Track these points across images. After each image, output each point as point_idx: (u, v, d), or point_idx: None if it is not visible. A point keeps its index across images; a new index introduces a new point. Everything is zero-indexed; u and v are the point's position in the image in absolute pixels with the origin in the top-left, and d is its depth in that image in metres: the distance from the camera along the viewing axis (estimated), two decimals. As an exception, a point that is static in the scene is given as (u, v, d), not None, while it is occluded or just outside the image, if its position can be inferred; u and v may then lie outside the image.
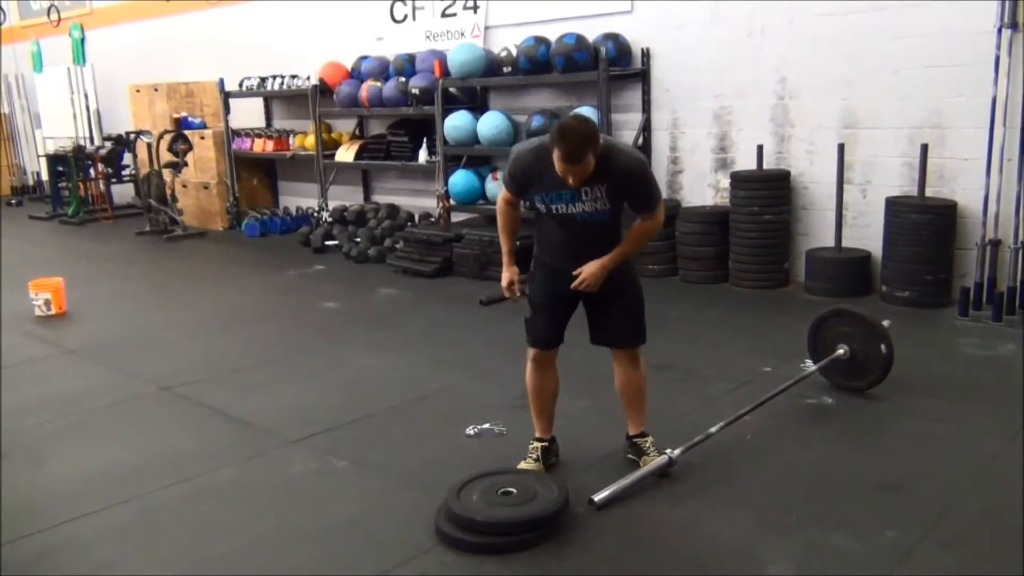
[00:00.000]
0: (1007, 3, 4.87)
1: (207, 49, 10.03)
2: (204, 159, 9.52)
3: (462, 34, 7.60)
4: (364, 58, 8.19)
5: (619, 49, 6.40)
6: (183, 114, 9.79)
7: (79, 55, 11.69)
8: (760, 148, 5.90)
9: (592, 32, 6.50)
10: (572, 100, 6.83)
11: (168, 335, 5.51)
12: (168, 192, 9.20)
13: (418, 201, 8.26)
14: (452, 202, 7.37)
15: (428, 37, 7.87)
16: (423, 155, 7.64)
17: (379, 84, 7.78)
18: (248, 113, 9.68)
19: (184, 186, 9.59)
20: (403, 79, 7.60)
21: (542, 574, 2.64)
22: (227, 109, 9.29)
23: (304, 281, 6.96)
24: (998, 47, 4.91)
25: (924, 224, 5.17)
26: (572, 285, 2.99)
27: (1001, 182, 5.02)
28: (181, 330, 5.63)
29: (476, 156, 7.40)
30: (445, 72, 7.23)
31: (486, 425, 3.70)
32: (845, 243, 5.66)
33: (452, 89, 7.41)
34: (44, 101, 12.24)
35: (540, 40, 6.60)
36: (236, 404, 4.17)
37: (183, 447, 3.70)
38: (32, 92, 12.79)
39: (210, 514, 3.12)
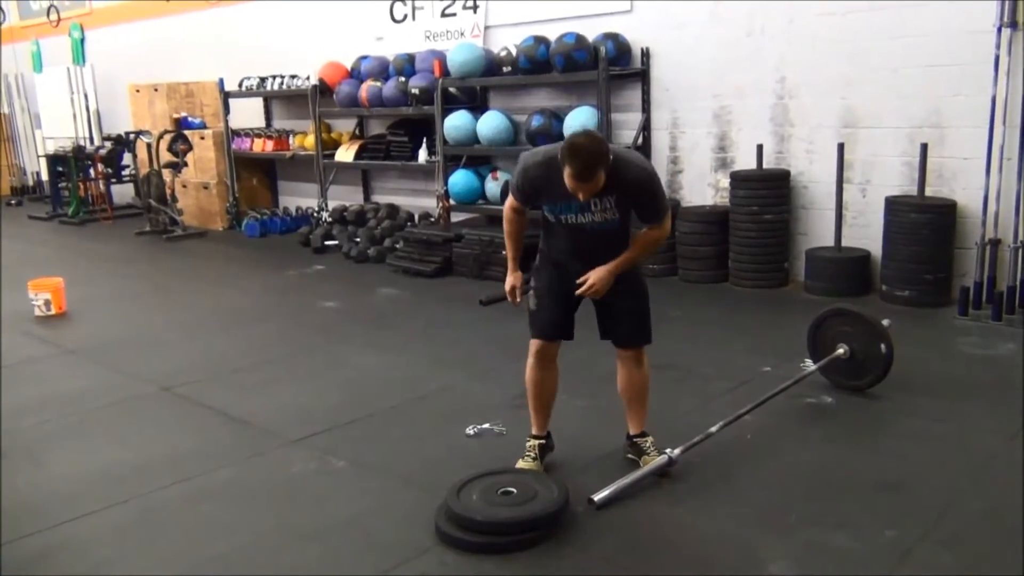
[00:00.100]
0: (1007, 2, 4.87)
1: (207, 49, 10.03)
2: (204, 159, 9.52)
3: (462, 34, 7.60)
4: (364, 58, 8.19)
5: (619, 49, 6.40)
6: (183, 114, 9.78)
7: (79, 55, 11.69)
8: (760, 148, 5.90)
9: (592, 32, 6.50)
10: (572, 100, 6.83)
11: (168, 335, 5.51)
12: (168, 192, 9.20)
13: (418, 201, 8.26)
14: (452, 202, 7.37)
15: (428, 37, 7.87)
16: (423, 155, 7.64)
17: (379, 84, 7.78)
18: (248, 113, 9.68)
19: (184, 186, 9.59)
20: (403, 79, 7.60)
21: (542, 574, 2.64)
22: (227, 109, 9.29)
23: (304, 281, 6.96)
24: (998, 46, 4.91)
25: (924, 223, 5.17)
26: (578, 292, 2.98)
27: (1001, 181, 5.02)
28: (181, 330, 5.63)
29: (476, 156, 7.40)
30: (445, 72, 7.23)
31: (486, 425, 3.70)
32: (845, 242, 5.66)
33: (452, 89, 7.41)
34: (44, 101, 12.24)
35: (540, 40, 6.60)
36: (236, 404, 4.17)
37: (183, 447, 3.70)
38: (32, 92, 12.79)
39: (210, 514, 3.12)
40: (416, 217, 8.10)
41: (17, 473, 3.49)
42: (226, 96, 9.29)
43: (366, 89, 7.85)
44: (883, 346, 3.78)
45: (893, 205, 5.33)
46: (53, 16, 12.45)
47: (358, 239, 7.70)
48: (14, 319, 5.87)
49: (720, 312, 5.51)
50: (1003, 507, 2.89)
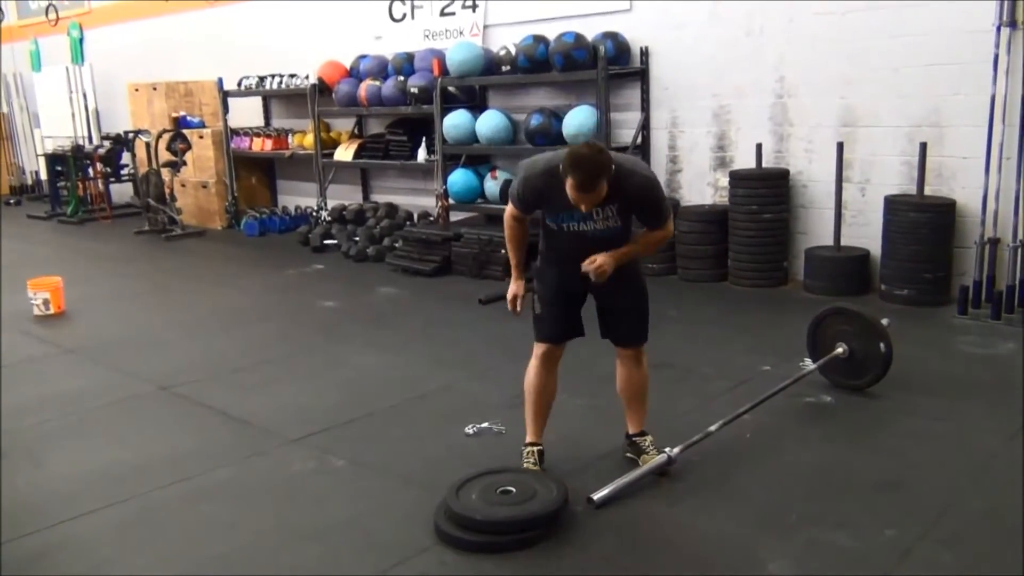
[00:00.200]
0: (1006, 2, 4.87)
1: (206, 48, 10.02)
2: (203, 158, 9.51)
3: (461, 33, 7.59)
4: (363, 57, 8.19)
5: (618, 48, 6.40)
6: (182, 113, 9.78)
7: (77, 54, 11.67)
8: (759, 147, 5.90)
9: (591, 31, 6.50)
10: (571, 99, 6.83)
11: (167, 334, 5.51)
12: (167, 191, 9.19)
13: (417, 200, 8.25)
14: (451, 201, 7.36)
15: (427, 36, 7.87)
16: (422, 154, 7.64)
17: (378, 83, 7.78)
18: (247, 112, 9.68)
19: (183, 185, 9.58)
20: (402, 78, 7.60)
21: (541, 573, 2.64)
22: (226, 108, 9.29)
23: (303, 280, 6.96)
24: (997, 45, 4.91)
25: (923, 222, 5.17)
26: (583, 265, 2.91)
27: (1000, 180, 5.02)
28: (180, 329, 5.63)
29: (475, 155, 7.40)
30: (444, 71, 7.23)
31: (485, 424, 3.70)
32: (844, 242, 5.66)
33: (451, 88, 7.41)
34: (43, 100, 12.23)
35: (539, 39, 6.60)
36: (235, 403, 4.17)
37: (182, 446, 3.70)
38: (31, 91, 12.77)
39: (209, 513, 3.11)
40: (415, 216, 8.09)
41: (16, 473, 3.48)
42: (225, 95, 9.28)
43: (365, 88, 7.84)
44: (882, 345, 3.78)
45: (892, 204, 5.33)
46: (52, 15, 12.45)
47: (357, 238, 7.69)
48: (13, 318, 5.87)
49: (719, 311, 5.51)
50: (1003, 506, 2.89)
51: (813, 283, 5.68)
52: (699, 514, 2.95)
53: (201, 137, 9.47)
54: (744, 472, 3.23)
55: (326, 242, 7.93)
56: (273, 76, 8.86)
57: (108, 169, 10.38)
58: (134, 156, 9.99)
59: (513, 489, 2.90)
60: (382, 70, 7.92)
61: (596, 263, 2.91)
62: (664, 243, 3.19)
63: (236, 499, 3.22)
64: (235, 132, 9.40)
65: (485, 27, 7.43)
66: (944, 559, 2.62)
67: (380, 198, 8.70)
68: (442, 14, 7.74)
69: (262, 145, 9.19)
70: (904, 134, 5.43)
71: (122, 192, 10.99)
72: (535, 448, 3.25)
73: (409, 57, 7.73)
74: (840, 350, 3.89)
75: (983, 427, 3.53)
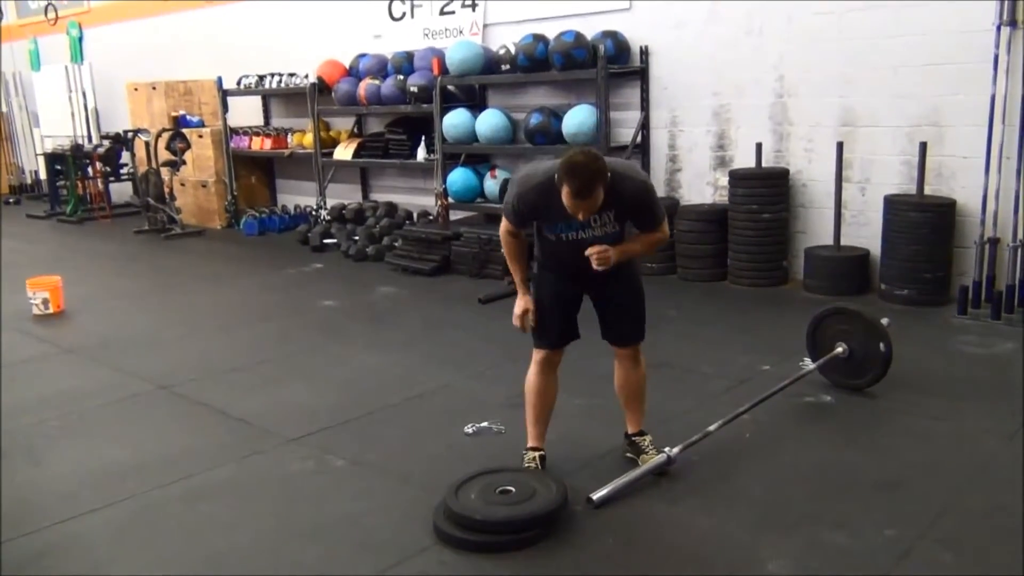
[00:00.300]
0: (1006, 1, 4.87)
1: (205, 47, 10.01)
2: (202, 157, 9.51)
3: (460, 32, 7.59)
4: (362, 56, 8.18)
5: (618, 47, 6.40)
6: (181, 112, 9.77)
7: (77, 53, 11.67)
8: (759, 146, 5.90)
9: (591, 30, 6.50)
10: (571, 98, 6.82)
11: (166, 334, 5.51)
12: (166, 191, 9.18)
13: (416, 199, 8.25)
14: (450, 200, 7.36)
15: (426, 35, 7.86)
16: (421, 153, 7.63)
17: (377, 82, 7.77)
18: (246, 111, 9.67)
19: (182, 184, 9.57)
20: (401, 77, 7.60)
21: (540, 573, 2.64)
22: (225, 107, 9.28)
23: (302, 280, 6.96)
24: (997, 45, 4.91)
25: (923, 222, 5.17)
26: (587, 251, 2.89)
27: (1000, 180, 5.02)
28: (179, 329, 5.63)
29: (475, 154, 7.40)
30: (443, 70, 7.22)
31: (484, 424, 3.70)
32: (844, 241, 5.66)
33: (450, 87, 7.40)
34: (42, 100, 12.21)
35: (539, 38, 6.60)
36: (234, 403, 4.16)
37: (181, 446, 3.70)
38: (30, 90, 12.76)
39: (208, 513, 3.11)
40: (415, 215, 8.09)
41: (16, 472, 3.48)
42: (224, 94, 9.27)
43: (364, 87, 7.84)
44: (882, 345, 3.78)
45: (892, 204, 5.33)
46: (51, 14, 12.43)
47: (357, 237, 7.69)
48: (12, 318, 5.86)
49: (719, 311, 5.51)
50: (1002, 506, 2.89)
51: (813, 283, 5.68)
52: (699, 514, 2.94)
53: (200, 136, 9.47)
54: (744, 472, 3.23)
55: (325, 241, 7.93)
56: (272, 75, 8.85)
57: (107, 168, 10.38)
58: (133, 155, 9.99)
59: (512, 489, 2.90)
60: (382, 69, 7.91)
61: (602, 248, 2.88)
62: (661, 244, 3.18)
63: (235, 498, 3.22)
64: (234, 131, 9.40)
65: (485, 26, 7.43)
66: (944, 559, 2.62)
67: (379, 197, 8.70)
68: (442, 13, 7.73)
69: (261, 144, 9.19)
70: (904, 134, 5.43)
71: (121, 191, 10.98)
72: (537, 453, 3.23)
73: (409, 56, 7.72)
74: (840, 350, 3.89)
75: (983, 427, 3.53)
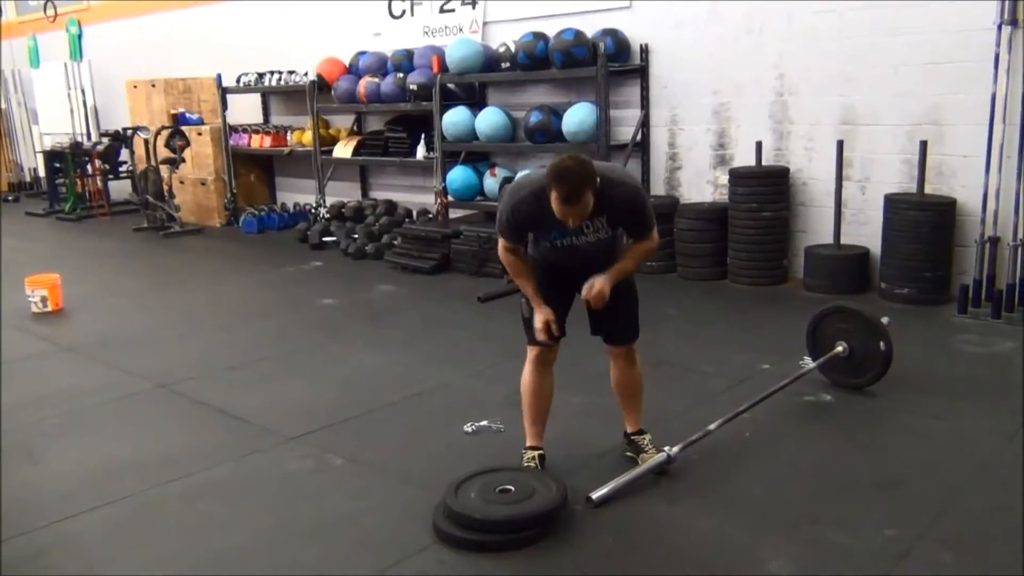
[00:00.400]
0: (1007, 0, 4.86)
1: (204, 45, 10.00)
2: (201, 155, 9.50)
3: (460, 30, 7.58)
4: (362, 54, 8.17)
5: (618, 45, 6.39)
6: (180, 110, 9.75)
7: (76, 51, 11.66)
8: (759, 144, 5.89)
9: (591, 28, 6.49)
10: (571, 96, 6.81)
11: (165, 332, 5.50)
12: (165, 188, 9.17)
13: (416, 197, 8.24)
14: (450, 198, 7.35)
15: (426, 33, 7.85)
16: (421, 151, 7.62)
17: (377, 80, 7.76)
18: (246, 109, 9.66)
19: (181, 182, 9.55)
20: (401, 75, 7.59)
21: (539, 572, 2.64)
22: (224, 105, 9.27)
23: (301, 278, 6.95)
24: (998, 44, 4.90)
25: (923, 221, 5.16)
26: (583, 294, 2.94)
27: (1000, 179, 5.01)
28: (178, 327, 5.62)
29: (474, 152, 7.39)
30: (443, 68, 7.21)
31: (484, 422, 3.70)
32: (844, 240, 5.65)
33: (450, 85, 7.39)
34: (41, 97, 12.20)
35: (539, 36, 6.58)
36: (233, 401, 4.16)
37: (180, 444, 3.69)
38: (29, 88, 12.74)
39: (207, 511, 3.10)
40: (414, 213, 8.08)
41: (14, 470, 3.47)
42: (224, 92, 9.26)
43: (364, 85, 7.83)
44: (882, 344, 3.77)
45: (892, 202, 5.32)
46: (50, 11, 12.41)
47: (356, 235, 7.68)
48: (11, 316, 5.85)
49: (719, 309, 5.51)
50: (1003, 505, 2.88)
51: (813, 281, 5.67)
52: (698, 513, 2.94)
53: (200, 134, 9.45)
54: (744, 471, 3.22)
55: (325, 239, 7.92)
56: (272, 73, 8.84)
57: (106, 166, 10.37)
58: (132, 153, 9.98)
59: (512, 488, 2.90)
60: (381, 67, 7.91)
61: (595, 288, 2.91)
62: (652, 254, 3.15)
63: (234, 497, 3.21)
64: (234, 129, 9.39)
65: (485, 24, 7.42)
66: (944, 558, 2.61)
67: (379, 195, 8.69)
68: (442, 11, 7.72)
69: (261, 142, 9.17)
70: (904, 132, 5.42)
71: (120, 189, 10.97)
72: (536, 452, 3.22)
73: (408, 54, 7.71)
74: (840, 349, 3.88)
75: (983, 426, 3.53)
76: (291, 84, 8.66)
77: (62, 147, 10.63)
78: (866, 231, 5.63)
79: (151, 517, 3.07)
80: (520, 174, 6.57)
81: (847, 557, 2.64)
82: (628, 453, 3.29)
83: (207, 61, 9.74)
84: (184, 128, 9.28)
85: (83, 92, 11.35)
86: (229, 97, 9.29)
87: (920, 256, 5.19)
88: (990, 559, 2.61)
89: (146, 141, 9.17)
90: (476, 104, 7.39)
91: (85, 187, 10.80)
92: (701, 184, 6.42)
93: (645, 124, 6.55)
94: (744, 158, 6.08)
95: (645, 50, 6.47)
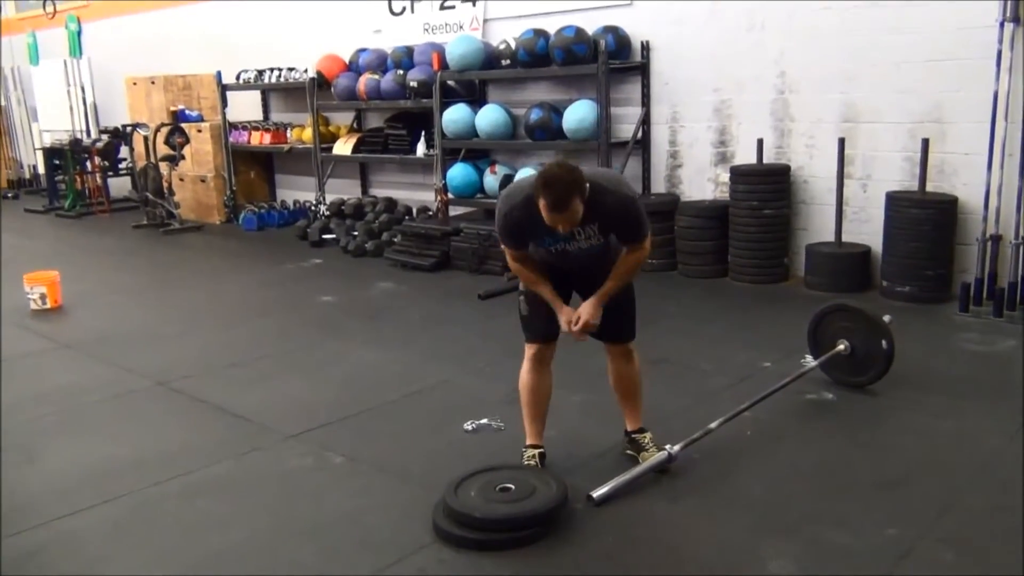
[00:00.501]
0: (1009, -2, 4.85)
1: (204, 42, 9.99)
2: (201, 152, 9.49)
3: (461, 27, 7.56)
4: (362, 51, 8.16)
5: (619, 42, 6.37)
6: (180, 107, 9.75)
7: (75, 48, 11.63)
8: (760, 142, 5.87)
9: (591, 25, 6.47)
10: (571, 93, 6.80)
11: (164, 329, 5.49)
12: (165, 185, 9.16)
13: (416, 194, 8.23)
14: (450, 196, 7.34)
15: (426, 30, 7.84)
16: (421, 148, 7.61)
17: (377, 77, 7.75)
18: (245, 106, 9.65)
19: (181, 179, 9.55)
20: (401, 72, 7.57)
21: (540, 571, 2.63)
22: (224, 102, 9.26)
23: (301, 275, 6.94)
24: (1000, 41, 4.89)
25: (924, 219, 5.15)
26: (574, 331, 2.97)
27: (1002, 177, 5.00)
28: (177, 324, 5.61)
29: (474, 149, 7.38)
30: (443, 65, 7.20)
31: (484, 420, 3.69)
32: (845, 238, 5.64)
33: (450, 82, 7.38)
34: (40, 94, 12.20)
35: (539, 33, 6.57)
36: (233, 399, 4.15)
37: (179, 442, 3.68)
38: (28, 85, 12.75)
39: (206, 510, 3.10)
40: (414, 211, 8.07)
41: (11, 468, 3.46)
42: (223, 89, 9.25)
43: (364, 82, 7.81)
44: (884, 342, 3.76)
45: (894, 200, 5.31)
46: (50, 8, 12.39)
47: (356, 233, 7.67)
48: (10, 313, 5.84)
49: (719, 307, 5.50)
50: (1004, 505, 2.87)
51: (814, 279, 5.66)
52: (699, 512, 2.93)
53: (199, 131, 9.44)
54: (744, 470, 3.21)
55: (324, 236, 7.91)
56: (272, 70, 8.83)
57: (106, 163, 10.35)
58: (132, 150, 9.97)
59: (512, 486, 2.88)
60: (381, 64, 7.89)
61: (581, 322, 2.95)
62: (643, 263, 3.11)
63: (233, 495, 3.20)
64: (233, 126, 9.38)
65: (485, 21, 7.40)
66: (945, 558, 2.60)
67: (379, 192, 8.68)
68: (442, 8, 7.71)
69: (260, 139, 9.17)
70: (906, 130, 5.41)
71: (120, 186, 10.96)
72: (536, 450, 3.21)
73: (408, 51, 7.70)
74: (841, 347, 3.87)
75: (984, 425, 3.52)
76: (291, 81, 8.64)
77: (62, 144, 10.62)
78: (867, 229, 5.61)
79: (150, 515, 3.06)
80: (520, 173, 6.58)
81: (848, 557, 2.63)
82: (629, 451, 3.28)
83: (207, 58, 9.73)
84: (184, 125, 9.28)
85: (83, 89, 11.34)
86: (229, 94, 9.28)
87: (921, 254, 5.18)
88: (991, 559, 2.60)
89: (146, 138, 9.16)
90: (476, 101, 7.38)
91: (85, 184, 10.79)
92: (702, 182, 6.41)
93: (646, 121, 6.54)
94: (745, 155, 6.07)
95: (646, 47, 6.45)
